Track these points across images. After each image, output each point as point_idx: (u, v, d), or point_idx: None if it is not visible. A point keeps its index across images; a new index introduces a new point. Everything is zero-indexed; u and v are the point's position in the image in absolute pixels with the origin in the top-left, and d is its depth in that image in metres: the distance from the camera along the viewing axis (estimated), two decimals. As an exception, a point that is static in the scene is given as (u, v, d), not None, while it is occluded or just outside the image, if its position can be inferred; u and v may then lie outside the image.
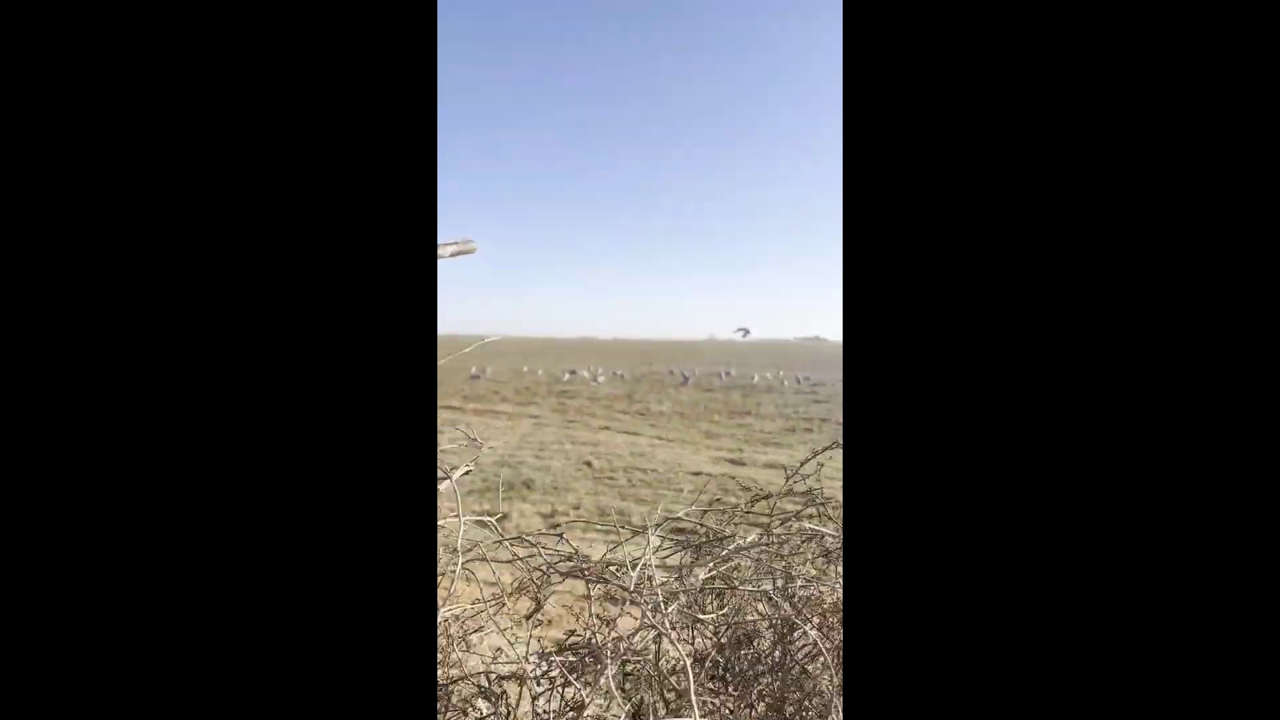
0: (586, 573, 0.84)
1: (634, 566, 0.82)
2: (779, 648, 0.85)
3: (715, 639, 0.87)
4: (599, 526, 5.45)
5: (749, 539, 0.92)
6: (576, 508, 6.09)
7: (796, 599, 0.82)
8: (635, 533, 1.04)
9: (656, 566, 0.84)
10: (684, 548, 0.94)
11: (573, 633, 0.84)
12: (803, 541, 0.92)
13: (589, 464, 7.78)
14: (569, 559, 0.90)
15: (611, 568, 0.84)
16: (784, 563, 0.88)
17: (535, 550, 0.93)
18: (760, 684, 0.84)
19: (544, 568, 0.92)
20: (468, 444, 1.08)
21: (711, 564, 0.88)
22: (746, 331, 22.82)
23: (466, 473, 1.00)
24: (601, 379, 19.60)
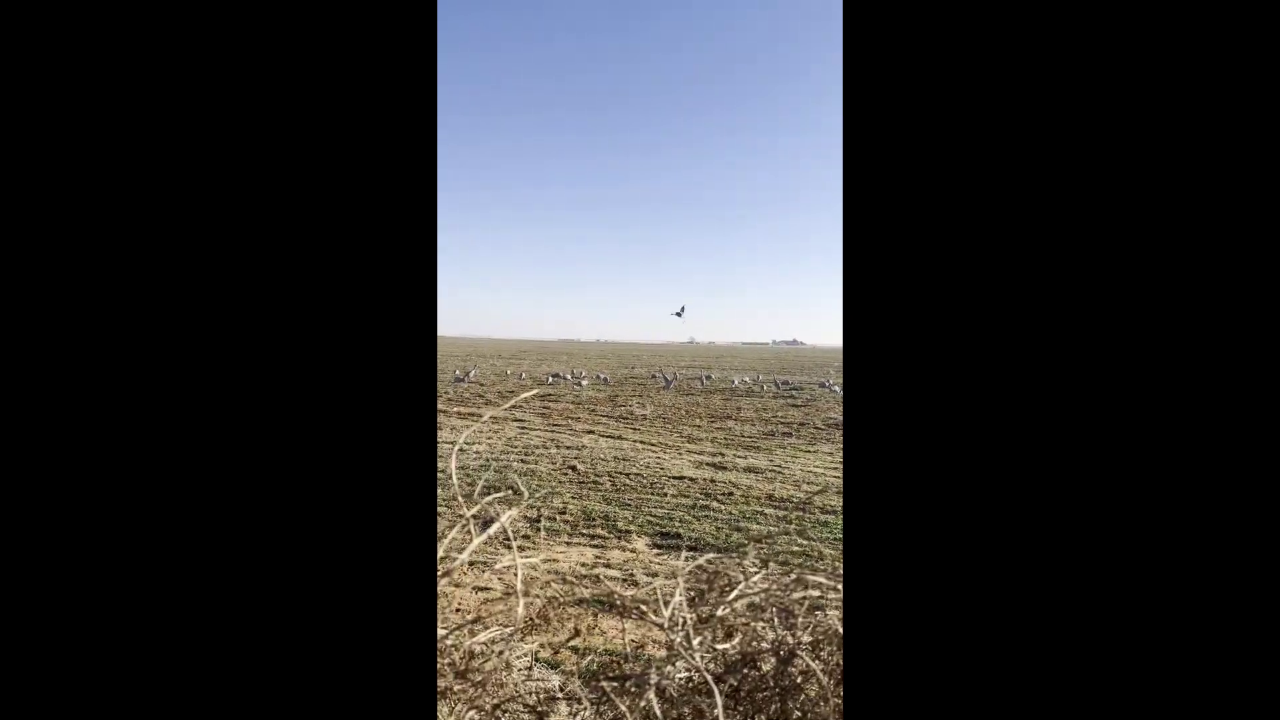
0: (624, 609, 0.97)
1: (665, 604, 0.95)
2: (780, 671, 0.99)
3: (726, 663, 1.00)
4: (584, 531, 5.56)
5: (754, 578, 1.06)
6: (562, 512, 6.17)
7: (796, 628, 0.97)
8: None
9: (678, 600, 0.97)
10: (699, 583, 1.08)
11: (614, 657, 0.96)
12: (795, 579, 1.06)
13: (574, 468, 7.87)
14: (609, 596, 1.03)
15: (644, 605, 0.97)
16: (782, 597, 1.03)
17: (577, 585, 1.05)
18: (765, 704, 0.98)
19: (583, 601, 1.04)
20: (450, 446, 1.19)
21: (725, 603, 1.02)
22: (682, 310, 23.95)
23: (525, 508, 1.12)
24: (584, 382, 19.67)
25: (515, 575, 1.03)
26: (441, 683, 0.96)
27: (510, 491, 6.63)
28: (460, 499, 1.12)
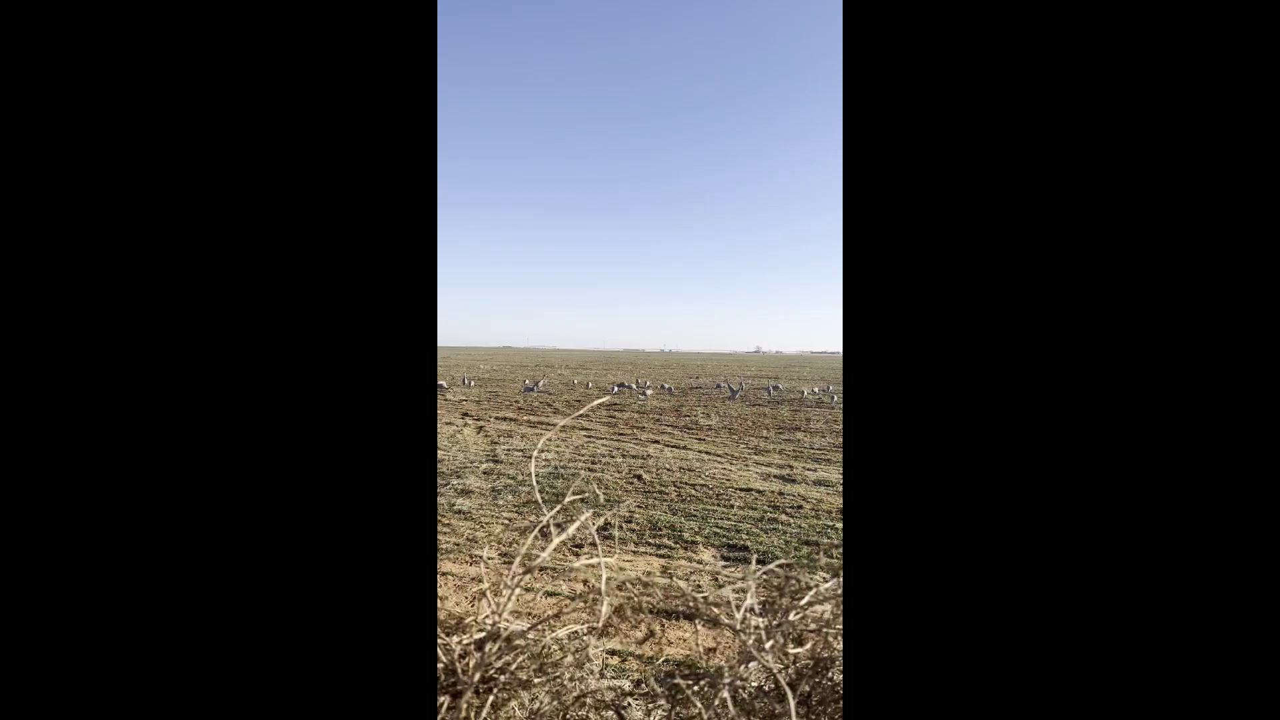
0: (697, 612, 1.00)
1: (738, 608, 0.98)
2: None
3: (798, 670, 1.01)
4: (650, 541, 5.58)
5: (825, 586, 1.07)
6: (629, 521, 6.21)
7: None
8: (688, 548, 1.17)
9: (749, 606, 1.00)
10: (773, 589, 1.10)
11: (685, 661, 0.99)
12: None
13: (639, 477, 7.92)
14: (681, 596, 1.07)
15: (716, 609, 1.00)
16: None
17: (650, 589, 1.09)
18: (838, 715, 0.98)
19: (657, 605, 1.08)
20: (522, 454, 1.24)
21: (797, 608, 1.04)
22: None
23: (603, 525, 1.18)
24: (649, 392, 19.78)
25: (599, 576, 1.08)
26: (523, 675, 1.02)
27: (583, 499, 6.76)
28: (540, 502, 1.19)
